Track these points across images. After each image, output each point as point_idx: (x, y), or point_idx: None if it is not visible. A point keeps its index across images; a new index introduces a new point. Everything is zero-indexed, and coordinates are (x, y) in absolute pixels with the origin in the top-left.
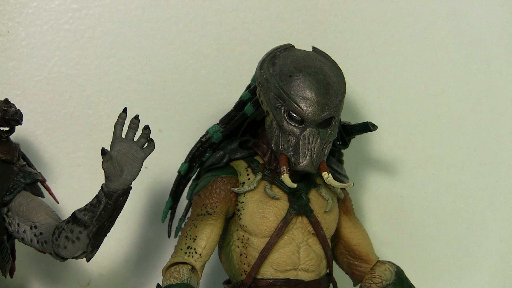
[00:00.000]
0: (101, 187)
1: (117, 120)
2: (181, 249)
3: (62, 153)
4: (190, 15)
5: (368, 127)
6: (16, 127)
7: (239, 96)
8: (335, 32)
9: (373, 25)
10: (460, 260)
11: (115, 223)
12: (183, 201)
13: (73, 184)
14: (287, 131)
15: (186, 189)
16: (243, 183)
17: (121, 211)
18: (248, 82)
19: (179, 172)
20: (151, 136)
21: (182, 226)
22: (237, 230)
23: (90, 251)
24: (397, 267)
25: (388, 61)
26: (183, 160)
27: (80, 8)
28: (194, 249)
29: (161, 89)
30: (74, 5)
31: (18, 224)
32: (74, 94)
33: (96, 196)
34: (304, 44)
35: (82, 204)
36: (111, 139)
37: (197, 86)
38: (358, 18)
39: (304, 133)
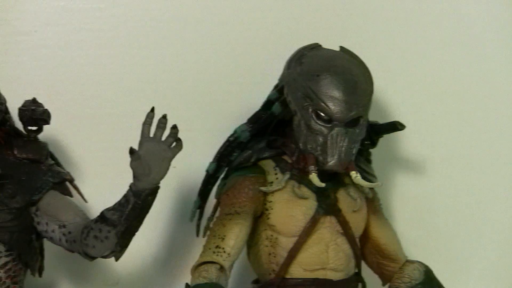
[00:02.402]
0: (129, 186)
1: (145, 120)
2: (210, 249)
3: (90, 152)
4: (214, 15)
5: (395, 126)
6: (44, 126)
7: (267, 96)
8: (362, 32)
9: (399, 25)
10: (488, 260)
11: (144, 222)
12: (211, 200)
13: (101, 184)
14: (315, 130)
15: (214, 188)
16: (271, 182)
17: (150, 211)
18: (275, 81)
19: (207, 171)
20: (179, 135)
21: (211, 225)
22: (265, 229)
23: (118, 250)
24: (426, 267)
25: (414, 60)
26: (211, 159)
27: (104, 7)
28: (223, 248)
29: (189, 89)
30: (98, 4)
31: (46, 223)
32: (101, 93)
33: (125, 196)
34: (331, 43)
35: (110, 204)
36: (138, 138)
37: (225, 86)
38: (384, 17)
39: (332, 132)
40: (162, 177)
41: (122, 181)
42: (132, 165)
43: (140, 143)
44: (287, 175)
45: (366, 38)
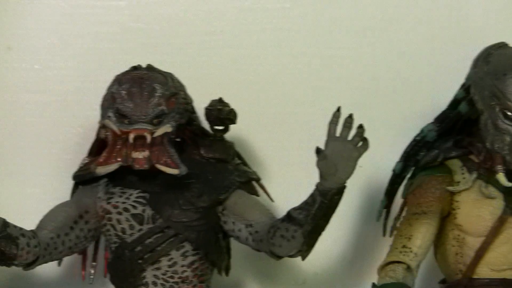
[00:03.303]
0: (316, 185)
1: (331, 119)
2: (396, 248)
3: (276, 151)
4: (400, 13)
5: None
6: (231, 126)
7: (454, 95)
8: None
9: None
10: None
11: (330, 221)
12: (398, 200)
13: (287, 183)
14: (502, 130)
15: (401, 188)
16: (458, 182)
17: (336, 210)
18: (462, 80)
19: (393, 171)
20: (365, 135)
21: (397, 225)
22: (453, 229)
23: (305, 250)
24: None
25: None
26: (397, 159)
27: (289, 7)
28: (410, 248)
29: (375, 88)
30: (283, 4)
31: (233, 223)
32: (287, 93)
33: (311, 195)
34: None
35: (296, 203)
36: (323, 138)
37: (411, 85)
38: None
39: None
40: (348, 177)
41: (309, 181)
42: (318, 165)
43: (326, 143)
44: (474, 175)
45: None
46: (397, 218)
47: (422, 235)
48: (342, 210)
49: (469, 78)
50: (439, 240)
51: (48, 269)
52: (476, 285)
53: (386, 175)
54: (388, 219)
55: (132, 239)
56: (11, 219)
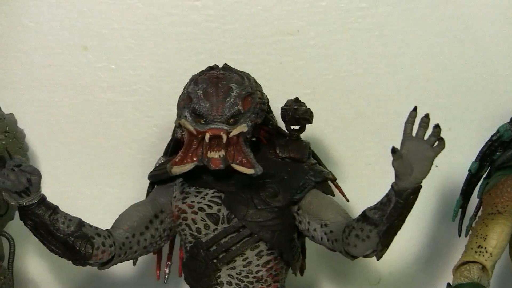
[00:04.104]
0: (391, 185)
1: (407, 119)
2: (472, 248)
3: (352, 151)
4: (476, 13)
5: None
6: (307, 125)
7: None
8: None
9: None
10: None
11: (405, 221)
12: (474, 199)
13: (362, 183)
14: None
15: (477, 187)
16: None
17: (411, 210)
18: None
19: (469, 171)
20: (441, 134)
21: (473, 225)
22: None
23: (380, 250)
24: None
25: None
26: (473, 158)
27: (369, 6)
28: (485, 248)
29: (451, 88)
30: (363, 4)
31: (308, 223)
32: (363, 92)
33: (386, 195)
34: None
35: (371, 203)
36: (399, 137)
37: (487, 85)
38: None
39: None
40: (424, 177)
41: (384, 180)
42: (394, 164)
43: (402, 142)
44: None
45: None
46: (472, 218)
47: (497, 235)
48: (418, 210)
49: None
50: None
51: (123, 268)
52: None
53: (462, 175)
54: (464, 219)
55: (207, 238)
56: (86, 219)
